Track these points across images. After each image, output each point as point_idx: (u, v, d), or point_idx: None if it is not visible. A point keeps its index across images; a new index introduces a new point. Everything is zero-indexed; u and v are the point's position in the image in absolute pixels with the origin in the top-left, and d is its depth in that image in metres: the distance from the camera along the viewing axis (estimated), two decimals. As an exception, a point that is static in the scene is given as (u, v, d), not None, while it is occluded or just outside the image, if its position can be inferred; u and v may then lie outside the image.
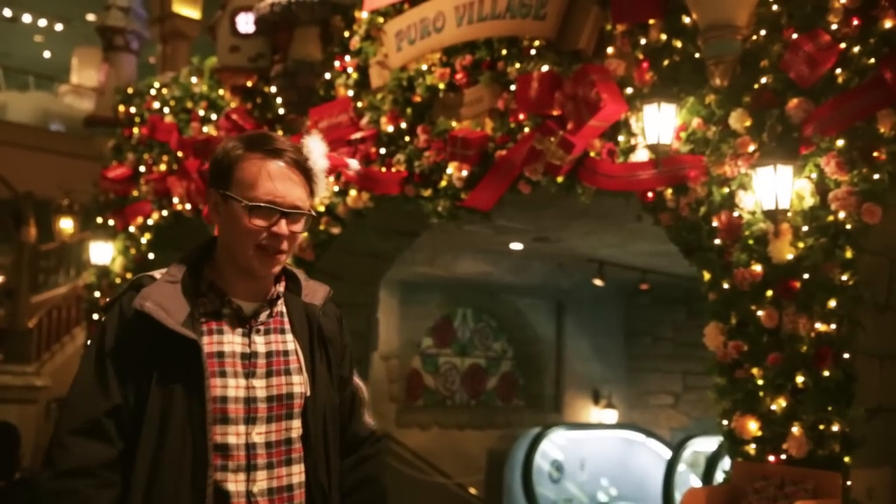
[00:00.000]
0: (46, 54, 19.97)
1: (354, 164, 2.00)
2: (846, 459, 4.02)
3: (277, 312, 2.13)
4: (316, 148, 2.11)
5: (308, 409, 2.07)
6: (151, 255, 8.27)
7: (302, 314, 2.15)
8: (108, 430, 1.96)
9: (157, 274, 2.09)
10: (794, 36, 4.29)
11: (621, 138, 4.90)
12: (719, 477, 7.63)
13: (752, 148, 4.40)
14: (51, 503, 1.93)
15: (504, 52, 5.50)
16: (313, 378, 2.10)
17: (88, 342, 2.03)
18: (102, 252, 8.47)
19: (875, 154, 4.05)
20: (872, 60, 4.08)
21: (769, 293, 4.28)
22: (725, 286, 4.44)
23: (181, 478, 1.94)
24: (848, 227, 4.09)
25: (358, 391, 2.27)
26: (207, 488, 1.94)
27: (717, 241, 4.49)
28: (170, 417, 1.95)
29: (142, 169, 8.29)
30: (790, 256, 4.22)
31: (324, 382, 2.12)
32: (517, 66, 5.39)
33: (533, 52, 5.33)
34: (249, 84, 7.19)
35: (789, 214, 4.22)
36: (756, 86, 4.43)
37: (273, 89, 6.90)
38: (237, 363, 2.03)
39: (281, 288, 2.15)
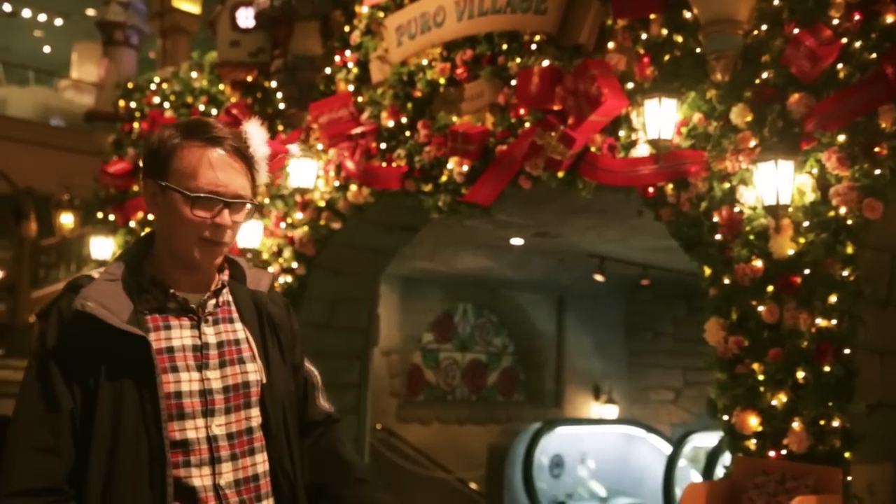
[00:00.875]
0: (46, 49, 19.95)
1: (295, 149, 1.99)
2: (847, 455, 4.02)
3: (224, 302, 2.08)
4: (256, 134, 2.06)
5: (265, 396, 2.04)
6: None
7: (249, 302, 2.11)
8: (61, 441, 1.88)
9: (94, 273, 2.01)
10: (796, 31, 4.28)
11: (622, 133, 4.89)
12: (720, 472, 7.63)
13: (753, 143, 4.40)
14: None
15: (505, 46, 5.49)
16: (268, 365, 2.07)
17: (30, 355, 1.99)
18: (103, 247, 8.46)
19: (876, 149, 4.04)
20: (874, 55, 4.07)
21: (770, 288, 4.28)
22: (726, 281, 4.43)
23: (139, 478, 1.88)
24: (849, 222, 4.09)
25: (310, 376, 2.25)
26: (168, 487, 1.89)
27: (718, 237, 4.48)
28: (121, 418, 1.88)
29: (142, 164, 8.27)
30: (791, 252, 4.22)
31: (278, 369, 2.10)
32: (518, 60, 5.38)
33: (534, 46, 5.32)
34: (250, 79, 7.18)
35: (790, 210, 4.22)
36: (757, 81, 4.42)
37: (273, 84, 6.89)
38: (188, 356, 1.98)
39: (225, 277, 2.10)
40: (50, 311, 1.97)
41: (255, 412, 2.03)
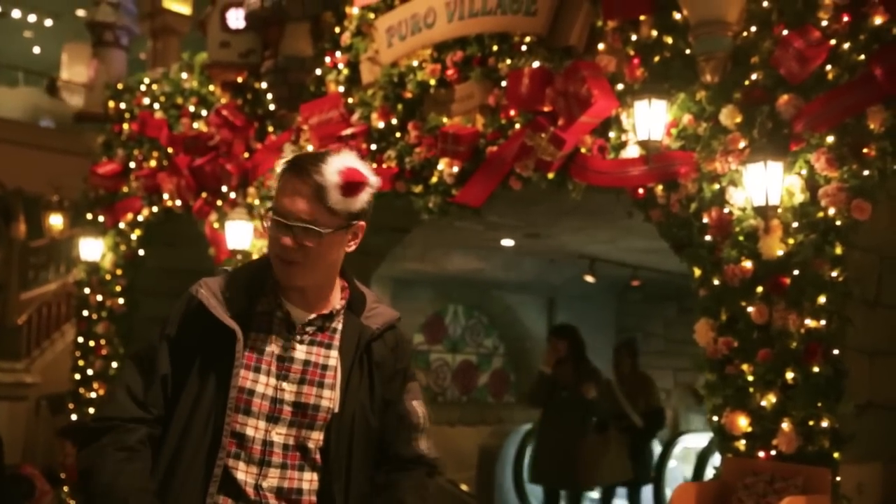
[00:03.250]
0: (36, 50, 19.88)
1: (375, 181, 1.97)
2: (836, 455, 4.04)
3: (330, 328, 2.17)
4: (335, 162, 2.09)
5: (332, 424, 2.11)
6: (142, 252, 8.25)
7: (355, 335, 2.19)
8: (149, 397, 2.08)
9: (229, 267, 2.24)
10: (785, 32, 4.29)
11: (612, 134, 4.90)
12: (710, 473, 7.64)
13: (742, 144, 4.41)
14: (90, 435, 2.08)
15: (495, 48, 5.49)
16: (345, 397, 2.13)
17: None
18: (92, 248, 8.44)
19: (865, 150, 4.06)
20: (862, 57, 4.09)
21: (759, 289, 4.29)
22: (716, 282, 4.44)
23: (197, 454, 2.04)
24: (838, 223, 4.10)
25: (408, 415, 2.27)
26: (216, 469, 2.03)
27: (708, 238, 4.49)
28: (201, 398, 2.06)
29: (132, 165, 8.26)
30: (780, 253, 4.23)
31: (359, 403, 2.15)
32: (508, 62, 5.38)
33: (524, 48, 5.33)
34: (240, 80, 7.17)
35: (779, 211, 4.23)
36: (746, 82, 4.43)
37: (263, 85, 6.88)
38: (273, 363, 2.10)
39: (338, 305, 2.19)
40: (188, 293, 2.16)
41: (317, 435, 2.12)
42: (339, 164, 2.09)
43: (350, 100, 6.31)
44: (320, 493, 2.11)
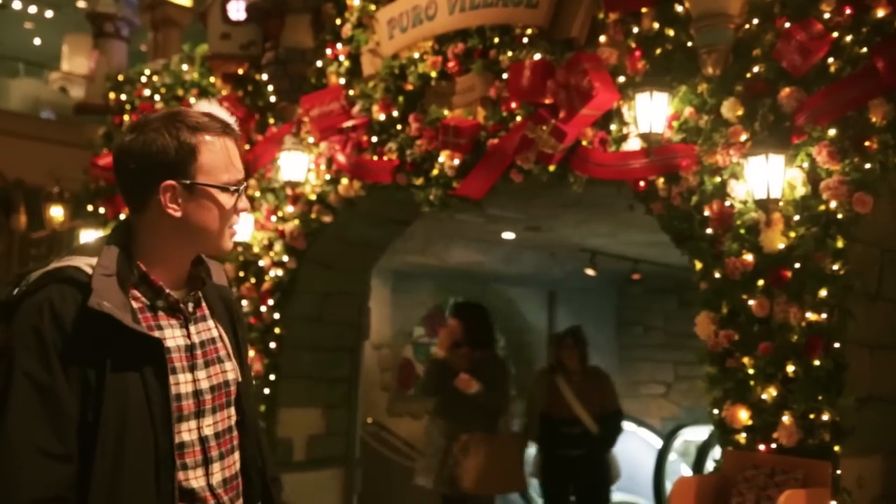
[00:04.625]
0: (37, 41, 19.85)
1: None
2: (836, 448, 4.03)
3: (198, 299, 2.07)
4: (221, 113, 2.04)
5: (242, 394, 2.05)
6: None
7: (217, 298, 2.10)
8: (68, 445, 1.80)
9: (83, 265, 1.90)
10: (787, 25, 4.28)
11: (613, 127, 4.89)
12: (710, 466, 7.66)
13: (743, 137, 4.40)
14: None
15: (496, 40, 5.48)
16: (241, 363, 2.07)
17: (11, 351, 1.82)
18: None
19: (867, 143, 4.05)
20: (865, 50, 4.07)
21: (760, 282, 4.28)
22: (717, 275, 4.44)
23: (145, 481, 1.83)
24: (839, 216, 4.10)
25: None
26: (175, 490, 1.87)
27: (709, 231, 4.49)
28: (126, 422, 1.82)
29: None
30: (781, 246, 4.23)
31: (245, 365, 2.11)
32: (509, 54, 5.37)
33: (525, 40, 5.31)
34: (240, 72, 7.16)
35: (781, 204, 4.22)
36: (748, 75, 4.42)
37: (264, 77, 6.87)
38: (183, 357, 1.96)
39: (202, 273, 2.08)
40: (33, 303, 1.83)
41: (233, 411, 2.04)
42: (223, 112, 2.05)
43: (351, 92, 6.30)
44: (244, 469, 2.04)
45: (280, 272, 6.57)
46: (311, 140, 6.43)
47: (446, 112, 5.70)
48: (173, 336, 1.95)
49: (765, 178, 4.17)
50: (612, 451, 7.02)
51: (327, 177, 6.31)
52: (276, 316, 6.58)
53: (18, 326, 1.82)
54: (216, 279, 2.13)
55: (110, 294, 1.85)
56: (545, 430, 6.84)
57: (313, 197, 6.39)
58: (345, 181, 6.19)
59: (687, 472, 8.47)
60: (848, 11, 4.14)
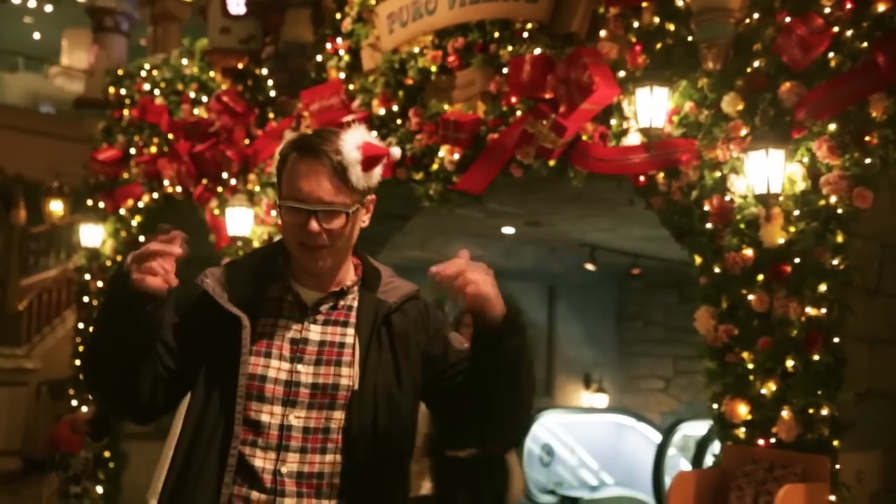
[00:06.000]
0: (36, 36, 19.82)
1: (396, 152, 1.97)
2: (835, 443, 4.04)
3: (344, 306, 2.13)
4: (350, 139, 2.05)
5: (353, 402, 2.05)
6: (142, 238, 8.24)
7: (371, 310, 2.13)
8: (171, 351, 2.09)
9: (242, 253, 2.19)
10: (787, 19, 4.28)
11: (613, 122, 4.89)
12: (709, 461, 7.66)
13: (744, 132, 4.40)
14: None
15: (496, 34, 5.47)
16: (364, 373, 2.07)
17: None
18: (93, 235, 8.44)
19: (867, 138, 4.05)
20: (865, 44, 4.07)
21: (760, 277, 4.28)
22: (717, 270, 4.44)
23: (211, 446, 2.01)
24: (839, 211, 4.10)
25: (455, 343, 2.19)
26: (230, 458, 2.00)
27: (709, 226, 4.49)
28: (211, 390, 2.04)
29: (132, 151, 8.25)
30: (781, 241, 4.23)
31: (380, 380, 2.08)
32: (509, 48, 5.37)
33: (525, 34, 5.31)
34: (240, 66, 7.15)
35: (781, 198, 4.22)
36: (749, 69, 4.42)
37: (264, 71, 6.86)
38: (284, 346, 2.07)
39: (350, 282, 2.14)
40: (199, 278, 2.14)
41: (339, 414, 2.05)
42: (355, 139, 2.06)
43: (351, 86, 6.29)
44: (345, 476, 2.04)
45: (280, 267, 6.56)
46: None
47: (446, 107, 5.70)
48: (285, 325, 2.09)
49: (765, 172, 4.17)
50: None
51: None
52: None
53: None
54: (384, 294, 2.17)
55: (232, 277, 2.12)
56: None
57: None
58: (345, 176, 6.18)
59: (686, 466, 8.47)
60: (848, 6, 4.14)
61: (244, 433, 2.02)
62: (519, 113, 5.25)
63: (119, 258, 8.36)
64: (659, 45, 4.77)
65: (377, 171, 2.10)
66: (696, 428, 8.57)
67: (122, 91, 8.52)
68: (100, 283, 8.49)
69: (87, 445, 7.88)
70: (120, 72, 8.62)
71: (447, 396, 2.14)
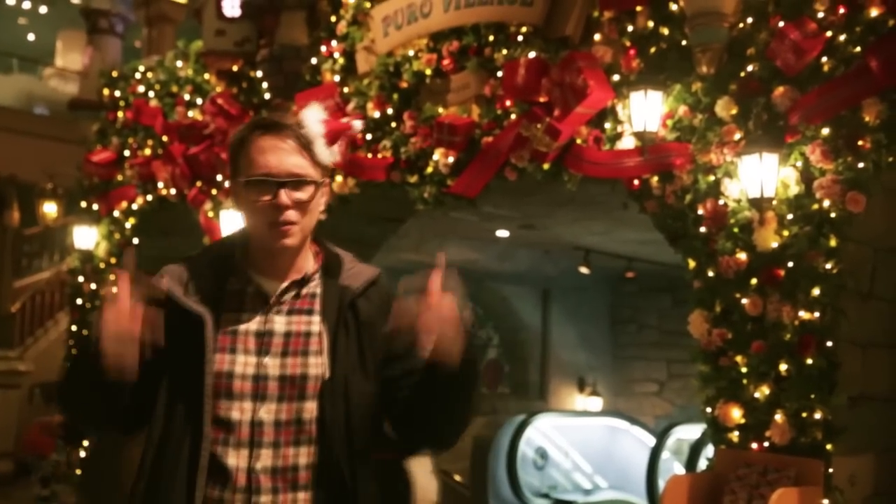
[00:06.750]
0: (31, 37, 19.80)
1: (358, 124, 1.98)
2: (829, 447, 4.04)
3: (307, 294, 2.11)
4: (311, 115, 2.07)
5: (325, 391, 2.03)
6: (136, 240, 8.23)
7: (335, 297, 2.11)
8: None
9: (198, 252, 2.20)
10: (781, 24, 4.28)
11: (608, 125, 4.89)
12: (702, 464, 7.66)
13: (737, 136, 4.41)
14: None
15: (491, 38, 5.48)
16: (334, 361, 2.05)
17: None
18: (86, 236, 8.42)
19: (860, 143, 4.06)
20: (858, 49, 4.08)
21: (754, 281, 4.29)
22: (710, 274, 4.44)
23: (181, 447, 1.98)
24: (832, 215, 4.10)
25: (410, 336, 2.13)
26: (201, 460, 1.97)
27: (703, 229, 4.49)
28: (178, 391, 2.01)
29: (126, 153, 8.24)
30: (775, 244, 4.23)
31: (350, 366, 2.06)
32: (504, 52, 5.37)
33: (520, 38, 5.31)
34: (235, 68, 7.14)
35: (774, 202, 4.23)
36: (742, 74, 4.43)
37: (259, 74, 6.86)
38: (249, 340, 2.04)
39: (311, 269, 2.12)
40: (155, 277, 2.13)
41: (311, 405, 2.03)
42: (316, 115, 2.07)
43: (345, 89, 6.29)
44: (320, 466, 2.02)
45: (274, 269, 6.55)
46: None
47: (441, 110, 5.70)
48: (248, 319, 2.05)
49: (758, 176, 4.18)
50: None
51: (321, 174, 6.30)
52: (270, 313, 6.56)
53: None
54: (347, 280, 2.14)
55: (190, 273, 2.08)
56: None
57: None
58: (339, 178, 6.19)
59: (680, 470, 8.48)
60: (842, 10, 4.14)
61: (214, 432, 1.99)
62: (513, 116, 5.25)
63: (112, 260, 8.35)
64: (653, 49, 4.78)
65: (336, 148, 2.10)
66: (690, 431, 8.58)
67: (117, 93, 8.51)
68: (93, 286, 8.47)
69: (60, 448, 7.82)
70: (114, 73, 8.61)
71: (390, 401, 2.12)
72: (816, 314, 4.09)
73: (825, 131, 4.13)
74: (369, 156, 6.03)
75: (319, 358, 2.05)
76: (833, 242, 4.10)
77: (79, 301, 8.59)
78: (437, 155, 5.64)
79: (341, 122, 2.11)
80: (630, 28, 4.86)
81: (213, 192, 7.17)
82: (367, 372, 2.08)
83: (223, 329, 2.04)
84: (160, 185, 7.66)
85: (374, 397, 2.09)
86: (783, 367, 4.14)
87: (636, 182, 4.77)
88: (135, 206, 8.12)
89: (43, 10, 18.66)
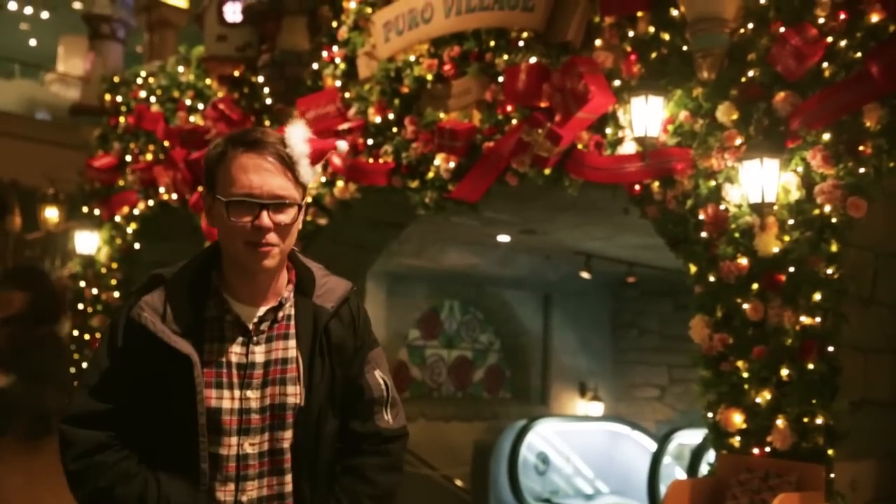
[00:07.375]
0: (32, 42, 19.82)
1: (343, 145, 1.95)
2: (830, 452, 4.04)
3: (283, 317, 2.06)
4: (296, 134, 2.00)
5: (299, 419, 2.02)
6: (137, 245, 8.24)
7: (309, 318, 2.07)
8: (107, 420, 1.99)
9: (167, 274, 2.05)
10: (782, 29, 4.29)
11: (609, 131, 4.90)
12: (704, 469, 7.66)
13: (738, 141, 4.41)
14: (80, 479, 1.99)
15: (492, 43, 5.49)
16: (309, 388, 2.03)
17: (102, 335, 2.09)
18: (88, 242, 8.43)
19: (861, 148, 4.06)
20: (859, 54, 4.09)
21: (755, 286, 4.29)
22: (711, 279, 4.45)
23: (178, 485, 1.96)
24: (833, 220, 4.11)
25: (368, 390, 2.14)
26: (199, 495, 1.96)
27: (704, 234, 4.50)
28: (166, 426, 1.96)
29: (128, 158, 8.25)
30: (776, 250, 4.24)
31: (322, 393, 2.05)
32: (505, 57, 5.38)
33: (521, 43, 5.32)
34: (236, 74, 7.16)
35: (775, 208, 4.23)
36: (743, 79, 4.43)
37: (260, 79, 6.87)
38: (234, 374, 2.00)
39: (287, 292, 2.07)
40: (121, 311, 2.05)
41: (288, 434, 2.03)
42: (299, 134, 2.01)
43: (347, 94, 6.30)
44: (296, 490, 2.03)
45: (275, 274, 6.55)
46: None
47: (442, 115, 5.70)
48: (230, 351, 2.00)
49: (759, 182, 4.18)
50: None
51: (323, 179, 6.31)
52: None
53: (111, 323, 2.07)
54: (320, 299, 2.09)
55: (168, 303, 1.98)
56: None
57: (308, 199, 6.39)
58: (340, 184, 6.19)
59: (681, 475, 8.47)
60: (842, 16, 4.15)
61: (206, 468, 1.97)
62: (514, 122, 5.26)
63: (114, 265, 8.36)
64: (654, 55, 4.79)
65: (318, 168, 2.05)
66: (691, 436, 8.58)
67: (118, 98, 8.53)
68: (95, 291, 8.48)
69: None
70: (116, 79, 8.62)
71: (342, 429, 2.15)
72: (818, 319, 4.09)
73: (826, 136, 4.14)
74: (370, 161, 6.03)
75: (296, 387, 2.03)
76: (834, 247, 4.10)
77: (80, 306, 8.59)
78: (438, 160, 5.64)
79: (326, 142, 2.06)
80: (631, 33, 4.87)
81: (215, 197, 7.17)
82: (335, 396, 2.09)
83: (206, 361, 1.98)
84: (161, 190, 7.67)
85: (337, 415, 2.11)
86: (784, 372, 4.14)
87: (637, 187, 4.77)
88: (136, 211, 8.13)
89: (45, 15, 18.69)
